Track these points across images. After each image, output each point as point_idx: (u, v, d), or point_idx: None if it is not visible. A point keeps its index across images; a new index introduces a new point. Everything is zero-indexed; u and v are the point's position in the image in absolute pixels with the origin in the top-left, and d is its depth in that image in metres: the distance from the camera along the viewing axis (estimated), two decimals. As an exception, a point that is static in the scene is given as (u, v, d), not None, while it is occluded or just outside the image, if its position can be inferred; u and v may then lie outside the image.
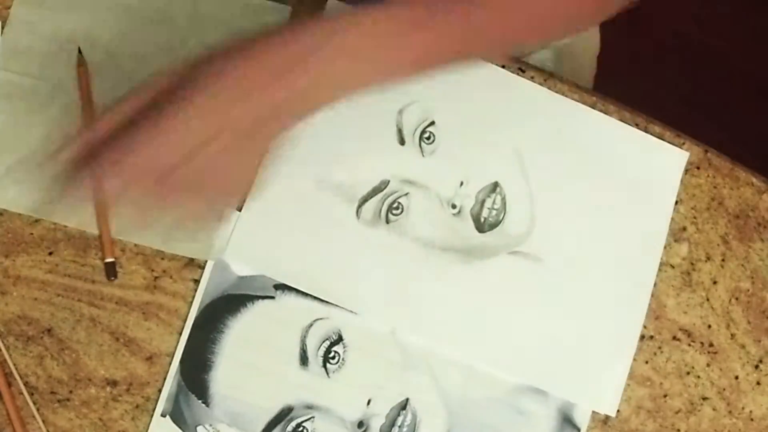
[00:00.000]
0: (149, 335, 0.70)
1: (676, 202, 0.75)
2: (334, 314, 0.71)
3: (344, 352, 0.70)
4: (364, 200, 0.72)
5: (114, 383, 0.69)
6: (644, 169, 0.75)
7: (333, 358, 0.70)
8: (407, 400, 0.71)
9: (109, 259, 0.69)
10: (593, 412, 0.72)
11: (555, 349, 0.72)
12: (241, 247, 0.71)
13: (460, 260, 0.72)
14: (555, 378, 0.72)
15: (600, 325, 0.73)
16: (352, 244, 0.72)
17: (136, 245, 0.70)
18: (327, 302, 0.71)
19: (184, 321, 0.70)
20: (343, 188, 0.72)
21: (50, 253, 0.70)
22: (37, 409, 0.68)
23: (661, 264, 0.74)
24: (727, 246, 0.75)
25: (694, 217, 0.75)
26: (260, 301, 0.70)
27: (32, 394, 0.69)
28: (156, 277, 0.70)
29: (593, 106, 0.75)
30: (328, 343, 0.70)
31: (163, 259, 0.70)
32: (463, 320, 0.72)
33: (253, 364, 0.70)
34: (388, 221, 0.72)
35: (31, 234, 0.70)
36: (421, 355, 0.71)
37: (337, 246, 0.72)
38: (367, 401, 0.70)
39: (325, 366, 0.70)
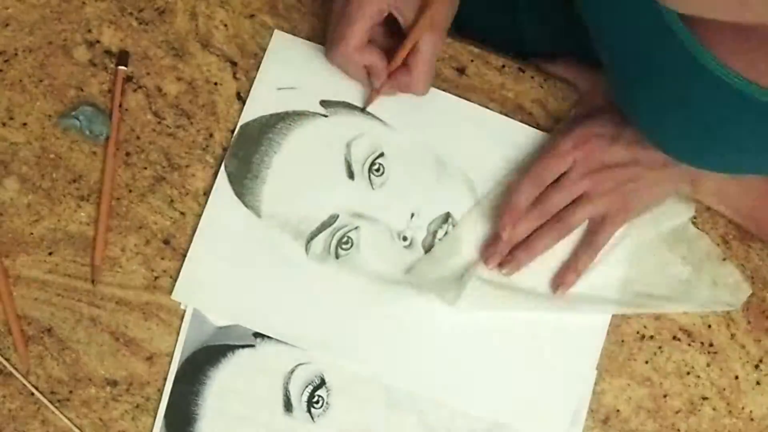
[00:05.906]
0: (149, 335, 0.70)
1: (676, 202, 0.75)
2: (315, 358, 0.70)
3: (328, 395, 0.70)
4: (313, 236, 0.71)
5: (114, 383, 0.69)
6: None
7: (317, 402, 0.70)
8: None
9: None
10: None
11: (511, 377, 0.71)
12: (191, 292, 0.70)
13: (413, 293, 0.71)
14: (510, 407, 0.71)
15: (560, 343, 0.71)
16: (302, 281, 0.70)
17: (135, 245, 0.70)
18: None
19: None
20: (292, 224, 0.71)
21: (50, 253, 0.70)
22: (37, 409, 0.68)
23: (661, 264, 0.74)
24: (727, 246, 0.75)
25: (694, 217, 0.75)
26: (240, 350, 0.70)
27: (32, 394, 0.69)
28: (156, 277, 0.70)
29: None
30: (311, 387, 0.70)
31: (163, 259, 0.70)
32: (417, 353, 0.71)
33: (237, 413, 0.69)
34: (337, 256, 0.71)
35: (31, 234, 0.70)
36: (406, 394, 0.70)
37: (287, 284, 0.70)
38: None
39: (309, 411, 0.70)
